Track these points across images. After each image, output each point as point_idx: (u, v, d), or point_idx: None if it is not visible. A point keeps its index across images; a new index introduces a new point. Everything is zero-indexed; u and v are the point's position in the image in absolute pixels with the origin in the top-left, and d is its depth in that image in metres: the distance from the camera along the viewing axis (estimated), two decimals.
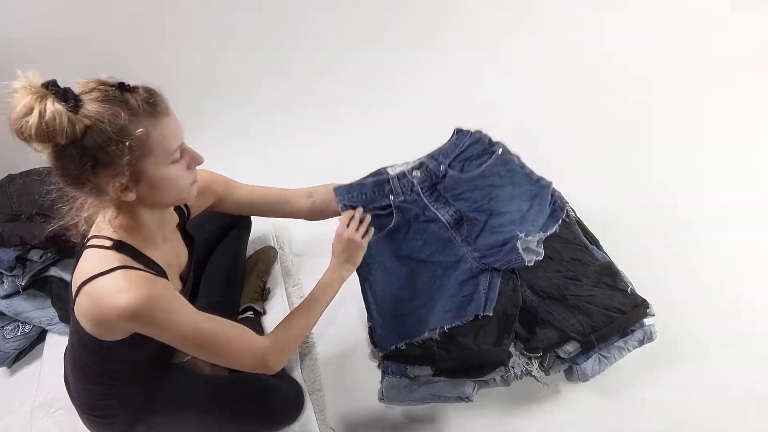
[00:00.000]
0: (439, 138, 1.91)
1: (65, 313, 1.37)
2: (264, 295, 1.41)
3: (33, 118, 0.66)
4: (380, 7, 2.04)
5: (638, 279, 1.17)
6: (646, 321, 1.09)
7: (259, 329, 1.31)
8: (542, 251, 1.09)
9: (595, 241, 1.28)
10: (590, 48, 2.13)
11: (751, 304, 1.25)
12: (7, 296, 1.37)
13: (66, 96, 0.68)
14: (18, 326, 1.41)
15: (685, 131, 1.78)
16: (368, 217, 1.21)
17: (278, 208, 1.18)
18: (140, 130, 0.73)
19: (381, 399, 1.11)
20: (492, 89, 2.06)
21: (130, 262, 0.80)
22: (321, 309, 1.07)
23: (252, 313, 1.35)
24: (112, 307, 0.75)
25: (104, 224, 0.82)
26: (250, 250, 1.49)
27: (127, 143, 0.72)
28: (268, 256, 1.49)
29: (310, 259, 1.56)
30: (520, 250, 1.07)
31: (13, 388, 1.37)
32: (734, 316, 1.23)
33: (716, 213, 1.47)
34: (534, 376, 1.08)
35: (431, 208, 1.22)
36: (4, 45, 1.67)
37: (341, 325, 1.34)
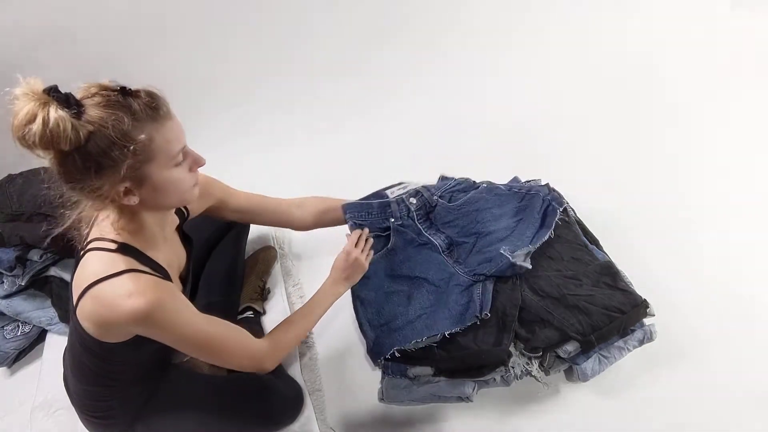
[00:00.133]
0: (439, 139, 1.92)
1: (65, 313, 1.37)
2: (264, 295, 1.41)
3: (36, 126, 0.66)
4: (381, 7, 2.04)
5: (638, 279, 1.17)
6: (646, 321, 1.09)
7: (258, 329, 1.32)
8: (529, 265, 1.14)
9: (595, 241, 1.28)
10: (590, 48, 2.12)
11: (751, 303, 1.24)
12: (7, 296, 1.37)
13: (68, 102, 0.68)
14: (18, 326, 1.41)
15: (685, 131, 1.78)
16: (371, 240, 1.28)
17: (269, 216, 1.22)
18: (143, 134, 0.73)
19: (381, 399, 1.12)
20: (492, 89, 2.06)
21: (137, 265, 0.80)
22: (315, 320, 1.11)
23: (252, 313, 1.35)
24: (122, 311, 0.75)
25: (106, 227, 0.81)
26: (250, 250, 1.49)
27: (131, 148, 0.72)
28: (267, 256, 1.49)
29: (310, 259, 1.56)
30: (506, 255, 1.14)
31: (13, 388, 1.37)
32: (734, 316, 1.23)
33: (716, 213, 1.47)
34: (534, 376, 1.08)
35: (425, 233, 1.30)
36: (5, 46, 1.67)
37: (341, 325, 1.34)
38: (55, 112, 0.66)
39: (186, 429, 1.04)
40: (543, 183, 1.47)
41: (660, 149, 1.72)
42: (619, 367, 1.11)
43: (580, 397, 1.13)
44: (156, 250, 0.86)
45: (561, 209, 1.24)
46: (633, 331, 1.09)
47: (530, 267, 1.14)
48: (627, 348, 1.09)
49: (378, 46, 2.08)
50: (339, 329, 1.34)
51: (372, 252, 1.27)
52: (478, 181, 1.39)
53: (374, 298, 1.24)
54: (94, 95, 0.72)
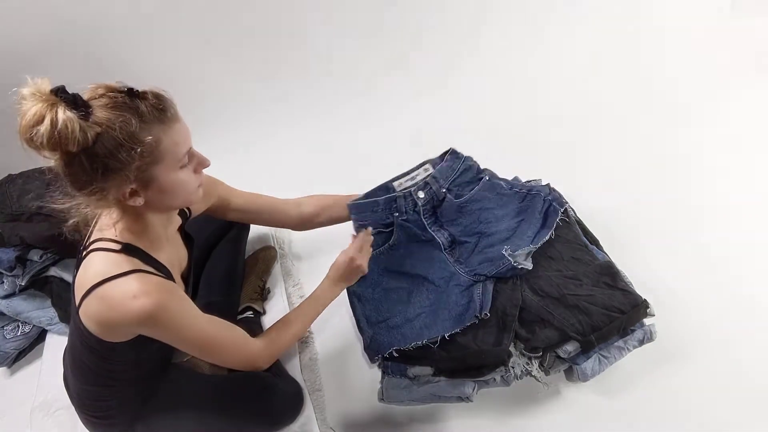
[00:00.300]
0: (439, 140, 1.92)
1: (65, 313, 1.37)
2: (264, 295, 1.41)
3: (44, 127, 0.65)
4: (382, 9, 2.04)
5: (638, 279, 1.17)
6: (646, 321, 1.09)
7: (258, 329, 1.31)
8: (530, 264, 1.15)
9: (595, 241, 1.28)
10: (590, 48, 2.12)
11: (751, 303, 1.24)
12: (7, 296, 1.37)
13: (76, 103, 0.68)
14: (18, 326, 1.41)
15: (685, 131, 1.78)
16: (371, 239, 1.27)
17: (269, 216, 1.22)
18: (151, 136, 0.73)
19: (381, 399, 1.11)
20: (492, 89, 2.06)
21: (141, 265, 0.80)
22: (312, 319, 1.13)
23: (251, 312, 1.34)
24: (128, 312, 0.76)
25: (109, 227, 0.81)
26: (250, 250, 1.49)
27: (138, 150, 0.72)
28: (267, 255, 1.49)
29: (310, 259, 1.56)
30: (507, 255, 1.13)
31: (13, 388, 1.37)
32: (735, 316, 1.23)
33: (716, 213, 1.47)
34: (534, 376, 1.08)
35: (428, 229, 1.29)
36: (6, 48, 1.67)
37: (341, 324, 1.34)
38: (63, 114, 0.66)
39: (186, 429, 1.04)
40: (543, 183, 1.47)
41: (660, 149, 1.72)
42: (619, 367, 1.11)
43: (580, 397, 1.13)
44: (159, 251, 0.87)
45: (562, 210, 1.24)
46: (633, 331, 1.09)
47: (531, 267, 1.14)
48: (627, 348, 1.09)
49: (378, 47, 2.08)
50: (339, 329, 1.34)
51: (371, 249, 1.26)
52: (481, 167, 1.39)
53: (372, 295, 1.24)
54: (101, 96, 0.71)
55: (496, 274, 1.16)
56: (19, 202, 1.34)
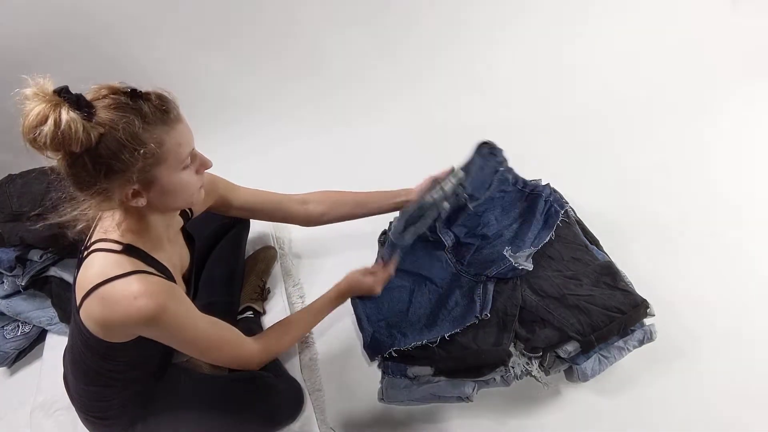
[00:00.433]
0: (440, 139, 1.92)
1: (65, 313, 1.37)
2: (264, 295, 1.41)
3: (48, 128, 0.65)
4: (383, 11, 2.04)
5: (638, 279, 1.17)
6: (646, 321, 1.09)
7: (258, 329, 1.31)
8: (531, 265, 1.15)
9: (595, 241, 1.28)
10: (590, 48, 2.12)
11: (751, 303, 1.25)
12: (7, 296, 1.37)
13: (79, 103, 0.68)
14: (18, 326, 1.41)
15: (685, 131, 1.78)
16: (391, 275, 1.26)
17: (273, 213, 1.20)
18: (154, 138, 0.73)
19: (381, 399, 1.11)
20: (492, 89, 2.07)
21: (142, 266, 0.80)
22: (311, 326, 1.15)
23: (251, 312, 1.34)
24: (129, 312, 0.76)
25: (110, 227, 0.81)
26: (250, 249, 1.49)
27: (141, 151, 0.72)
28: (267, 255, 1.49)
29: (310, 259, 1.56)
30: (508, 256, 1.15)
31: (13, 388, 1.37)
32: (734, 316, 1.23)
33: (717, 213, 1.47)
34: (534, 376, 1.08)
35: (438, 231, 1.29)
36: (7, 47, 1.67)
37: (341, 324, 1.34)
38: (67, 114, 0.66)
39: (186, 429, 1.04)
40: (544, 183, 1.47)
41: (660, 149, 1.72)
42: (619, 367, 1.11)
43: (580, 397, 1.13)
44: (160, 251, 0.87)
45: (563, 211, 1.24)
46: (633, 331, 1.09)
47: (531, 268, 1.14)
48: (627, 348, 1.09)
49: (381, 48, 2.08)
50: (339, 329, 1.34)
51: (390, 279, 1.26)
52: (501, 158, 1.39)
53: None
54: (104, 97, 0.71)
55: (496, 275, 1.16)
56: (19, 202, 1.34)
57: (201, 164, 0.84)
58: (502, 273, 1.15)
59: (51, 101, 0.66)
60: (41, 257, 1.33)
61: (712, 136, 1.74)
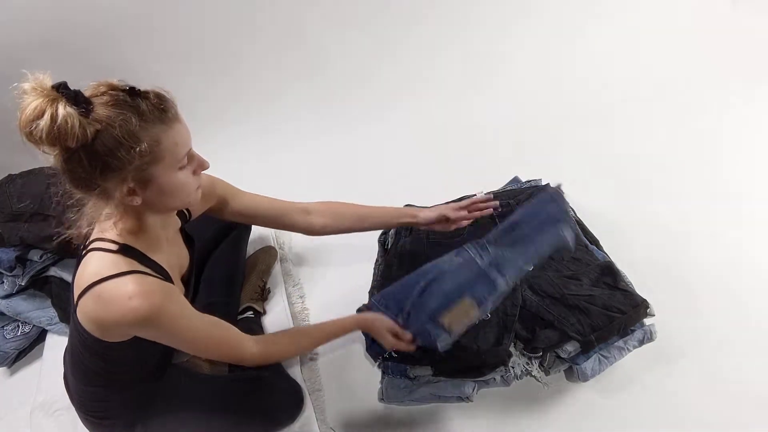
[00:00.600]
0: (440, 138, 1.92)
1: (65, 313, 1.37)
2: (264, 295, 1.41)
3: (44, 122, 0.65)
4: (385, 13, 2.04)
5: (638, 279, 1.17)
6: (646, 321, 1.09)
7: (258, 329, 1.32)
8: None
9: (595, 241, 1.28)
10: (590, 48, 2.12)
11: (751, 303, 1.24)
12: (7, 296, 1.37)
13: (77, 99, 0.68)
14: (18, 326, 1.41)
15: (685, 131, 1.78)
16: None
17: (274, 220, 1.17)
18: (151, 136, 0.73)
19: (381, 399, 1.12)
20: (492, 89, 2.06)
21: (138, 266, 0.80)
22: (317, 345, 1.15)
23: (252, 313, 1.35)
24: (123, 313, 0.75)
25: (108, 227, 0.81)
26: (250, 250, 1.49)
27: (137, 149, 0.72)
28: (268, 256, 1.49)
29: (310, 259, 1.56)
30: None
31: (13, 388, 1.37)
32: (734, 316, 1.23)
33: (717, 213, 1.47)
34: (534, 376, 1.08)
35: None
36: (9, 45, 1.67)
37: None
38: (64, 109, 0.66)
39: (186, 429, 1.04)
40: (543, 183, 1.47)
41: (660, 149, 1.72)
42: (619, 367, 1.11)
43: (580, 397, 1.13)
44: (158, 252, 0.86)
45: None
46: (633, 331, 1.09)
47: (531, 268, 1.12)
48: (627, 348, 1.09)
49: (382, 50, 2.08)
50: None
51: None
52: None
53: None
54: (102, 94, 0.71)
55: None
56: (19, 202, 1.34)
57: (198, 165, 0.84)
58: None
59: (49, 96, 0.66)
60: (41, 257, 1.34)
61: (713, 136, 1.74)
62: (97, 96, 0.71)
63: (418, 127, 1.99)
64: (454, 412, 1.14)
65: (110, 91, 0.72)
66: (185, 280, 1.00)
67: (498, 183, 1.56)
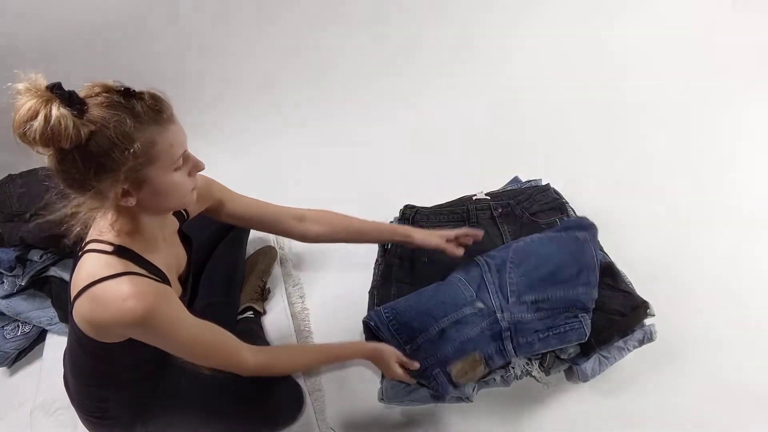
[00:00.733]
0: (440, 138, 1.91)
1: (65, 313, 1.37)
2: (264, 295, 1.41)
3: (38, 123, 0.65)
4: (384, 13, 2.04)
5: (638, 279, 1.17)
6: (647, 321, 1.09)
7: (258, 329, 1.32)
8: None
9: None
10: (590, 48, 2.12)
11: (751, 303, 1.24)
12: (7, 296, 1.37)
13: (71, 100, 0.68)
14: (18, 326, 1.41)
15: (685, 131, 1.77)
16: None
17: (269, 225, 1.17)
18: (146, 137, 0.73)
19: (381, 399, 1.11)
20: (492, 88, 2.06)
21: (133, 267, 0.80)
22: (319, 365, 1.15)
23: (252, 313, 1.35)
24: (117, 314, 0.75)
25: (104, 228, 0.81)
26: (250, 249, 1.49)
27: (132, 150, 0.72)
28: (268, 256, 1.49)
29: (310, 259, 1.56)
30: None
31: (13, 388, 1.38)
32: (734, 316, 1.22)
33: (716, 213, 1.46)
34: (534, 377, 1.08)
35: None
36: (6, 46, 1.67)
37: (342, 325, 1.33)
38: (57, 110, 0.66)
39: (186, 429, 1.04)
40: (543, 183, 1.47)
41: (660, 149, 1.72)
42: (619, 367, 1.11)
43: (580, 397, 1.13)
44: (154, 253, 0.86)
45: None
46: (633, 331, 1.09)
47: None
48: (627, 348, 1.09)
49: (376, 47, 2.08)
50: (339, 329, 1.33)
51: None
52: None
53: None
54: (97, 95, 0.71)
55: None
56: (19, 202, 1.34)
57: (194, 166, 0.84)
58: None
59: (43, 96, 0.66)
60: (41, 257, 1.34)
61: (713, 136, 1.74)
62: (91, 97, 0.71)
63: (418, 127, 1.99)
64: (454, 412, 1.14)
65: (105, 92, 0.71)
66: (183, 281, 1.00)
67: (498, 183, 1.56)
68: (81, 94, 0.70)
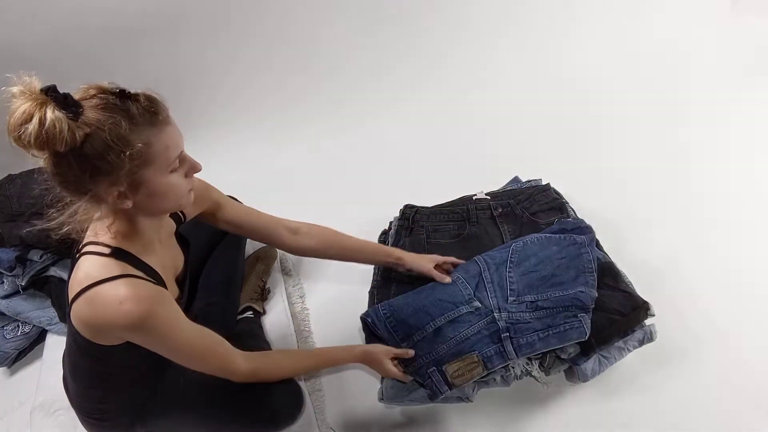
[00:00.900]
0: (440, 138, 1.91)
1: (65, 313, 1.37)
2: (264, 295, 1.41)
3: (32, 126, 0.65)
4: (382, 12, 2.04)
5: (638, 279, 1.17)
6: (647, 321, 1.09)
7: (258, 329, 1.32)
8: None
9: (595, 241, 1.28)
10: (590, 47, 2.13)
11: (751, 303, 1.24)
12: (7, 296, 1.37)
13: (66, 102, 0.67)
14: (18, 326, 1.41)
15: (685, 131, 1.78)
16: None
17: (262, 235, 1.17)
18: (141, 139, 0.72)
19: (381, 399, 1.11)
20: (492, 88, 2.07)
21: (131, 270, 0.79)
22: (312, 369, 1.15)
23: (252, 313, 1.34)
24: (114, 317, 0.75)
25: (101, 230, 0.81)
26: (250, 249, 1.49)
27: (127, 152, 0.71)
28: (267, 256, 1.49)
29: (310, 259, 1.55)
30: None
31: (13, 388, 1.37)
32: (734, 316, 1.22)
33: (716, 213, 1.47)
34: (534, 377, 1.08)
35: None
36: (4, 47, 1.67)
37: (342, 325, 1.34)
38: (52, 113, 0.65)
39: (185, 429, 1.04)
40: (544, 183, 1.47)
41: (660, 149, 1.72)
42: (619, 367, 1.11)
43: (580, 397, 1.13)
44: (150, 255, 0.86)
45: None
46: (633, 331, 1.09)
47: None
48: (627, 348, 1.09)
49: (376, 47, 2.08)
50: (339, 329, 1.34)
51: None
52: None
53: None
54: (92, 97, 0.71)
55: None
56: (19, 203, 1.34)
57: (190, 167, 0.84)
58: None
59: (37, 99, 0.65)
60: (41, 257, 1.34)
61: (713, 136, 1.74)
62: (86, 99, 0.70)
63: (418, 127, 2.00)
64: (454, 412, 1.14)
65: (100, 94, 0.71)
66: (180, 282, 1.00)
67: (498, 183, 1.56)
68: (76, 97, 0.70)
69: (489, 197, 1.42)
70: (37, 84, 0.67)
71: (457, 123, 1.98)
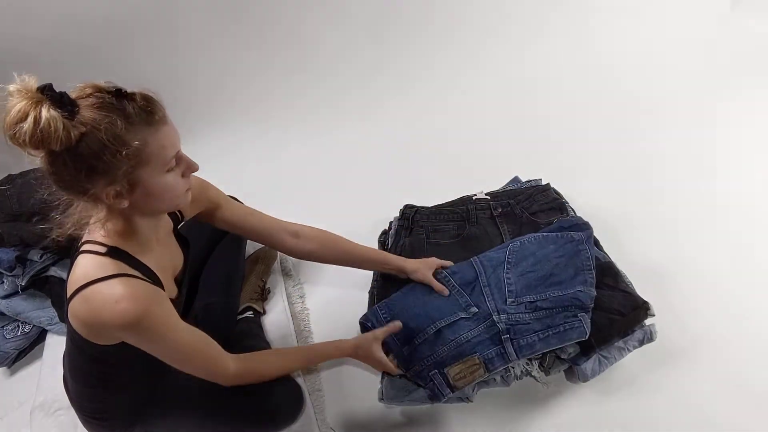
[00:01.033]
0: (440, 138, 1.91)
1: (65, 313, 1.37)
2: (264, 295, 1.41)
3: (27, 125, 0.65)
4: (381, 11, 2.04)
5: (638, 279, 1.17)
6: (647, 321, 1.09)
7: (258, 329, 1.32)
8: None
9: (595, 241, 1.28)
10: (590, 47, 2.13)
11: (751, 303, 1.24)
12: (7, 296, 1.38)
13: (62, 101, 0.67)
14: (18, 326, 1.41)
15: (685, 131, 1.78)
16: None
17: (262, 236, 1.17)
18: (137, 139, 0.72)
19: (381, 399, 1.11)
20: (492, 88, 2.07)
21: (127, 269, 0.79)
22: (302, 366, 1.12)
23: (252, 313, 1.34)
24: (110, 316, 0.75)
25: (98, 229, 0.81)
26: (250, 249, 1.49)
27: (123, 152, 0.71)
28: (268, 255, 1.49)
29: None
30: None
31: (13, 388, 1.38)
32: (734, 316, 1.22)
33: (716, 212, 1.47)
34: (534, 377, 1.08)
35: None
36: (9, 45, 1.67)
37: (341, 324, 1.33)
38: (47, 112, 0.65)
39: (185, 430, 1.04)
40: (544, 183, 1.47)
41: (660, 149, 1.72)
42: (619, 367, 1.11)
43: (580, 397, 1.13)
44: (147, 254, 0.86)
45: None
46: (633, 331, 1.09)
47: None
48: (627, 348, 1.09)
49: (382, 50, 2.08)
50: (339, 329, 1.33)
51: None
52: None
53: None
54: (88, 96, 0.71)
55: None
56: (19, 202, 1.34)
57: (187, 167, 0.83)
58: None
59: (33, 98, 0.65)
60: (41, 257, 1.34)
61: (712, 136, 1.74)
62: (82, 98, 0.70)
63: (418, 127, 2.00)
64: (454, 412, 1.14)
65: (96, 93, 0.71)
66: (178, 281, 1.00)
67: (498, 183, 1.56)
68: (73, 95, 0.70)
69: (489, 197, 1.42)
70: (34, 82, 0.67)
71: (457, 123, 1.98)
